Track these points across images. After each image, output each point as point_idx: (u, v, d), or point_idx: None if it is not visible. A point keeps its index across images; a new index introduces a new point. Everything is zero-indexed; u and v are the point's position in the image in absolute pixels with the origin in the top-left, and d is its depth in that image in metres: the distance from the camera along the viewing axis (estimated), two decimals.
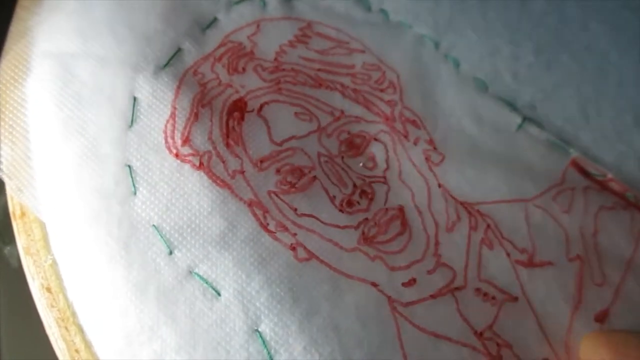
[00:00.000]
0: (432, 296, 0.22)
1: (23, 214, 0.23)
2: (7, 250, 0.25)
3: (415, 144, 0.26)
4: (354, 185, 0.24)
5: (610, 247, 0.24)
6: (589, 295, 0.23)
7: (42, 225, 0.23)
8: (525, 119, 0.27)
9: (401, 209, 0.24)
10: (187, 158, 0.23)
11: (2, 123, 0.25)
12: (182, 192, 0.22)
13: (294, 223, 0.23)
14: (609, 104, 0.27)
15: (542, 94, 0.27)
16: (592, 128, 0.27)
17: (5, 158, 0.24)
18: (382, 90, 0.27)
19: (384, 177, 0.25)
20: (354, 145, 0.26)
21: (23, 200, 0.23)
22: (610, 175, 0.26)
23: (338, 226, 0.23)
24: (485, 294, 0.22)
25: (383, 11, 0.29)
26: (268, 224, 0.22)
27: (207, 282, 0.21)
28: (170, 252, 0.21)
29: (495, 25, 0.29)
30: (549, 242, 0.24)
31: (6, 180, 0.24)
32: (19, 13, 0.28)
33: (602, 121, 0.27)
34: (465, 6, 0.29)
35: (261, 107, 0.25)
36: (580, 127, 0.27)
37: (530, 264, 0.23)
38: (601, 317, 0.23)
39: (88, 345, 0.21)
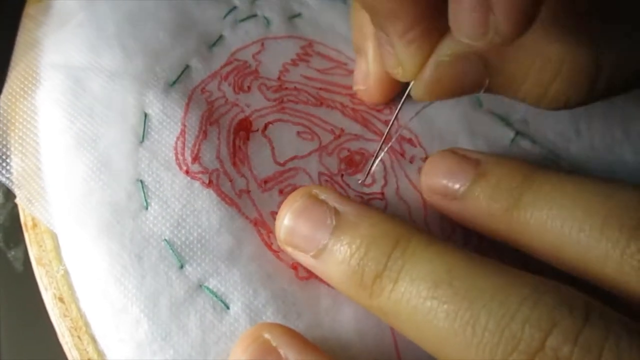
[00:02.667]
0: None
1: (35, 225, 0.25)
2: (11, 254, 0.26)
3: (411, 162, 0.28)
4: None
5: None
6: None
7: (54, 236, 0.24)
8: (517, 133, 0.29)
9: None
10: (197, 175, 0.24)
11: (12, 134, 0.26)
12: (193, 209, 0.24)
13: None
14: (599, 118, 0.29)
15: (535, 109, 0.29)
16: (583, 141, 0.29)
17: (15, 169, 0.25)
18: (378, 111, 0.29)
19: (382, 194, 0.27)
20: (354, 163, 0.27)
21: (33, 212, 0.24)
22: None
23: None
24: None
25: None
26: (272, 244, 0.24)
27: (216, 296, 0.22)
28: (181, 266, 0.23)
29: None
30: None
31: (16, 191, 0.25)
32: (26, 23, 0.28)
33: (592, 134, 0.29)
34: None
35: (265, 126, 0.27)
36: (571, 141, 0.29)
37: None
38: None
39: (101, 354, 0.22)
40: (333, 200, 0.23)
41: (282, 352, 0.20)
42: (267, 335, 0.21)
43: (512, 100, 0.29)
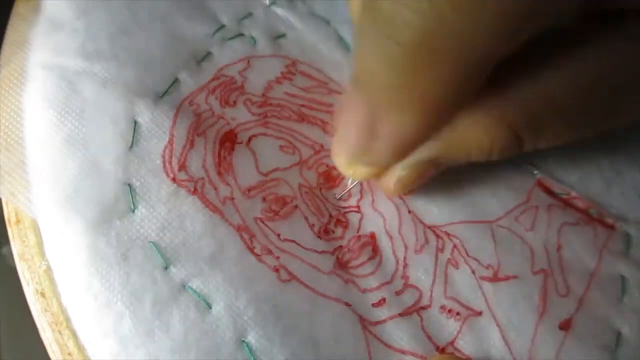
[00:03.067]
0: (400, 315, 0.25)
1: (18, 221, 0.25)
2: (4, 249, 0.27)
3: None
4: (330, 215, 0.28)
5: (574, 261, 0.27)
6: (554, 305, 0.26)
7: (37, 232, 0.25)
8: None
9: (372, 236, 0.27)
10: (183, 183, 0.25)
11: None
12: (178, 214, 0.25)
13: (278, 247, 0.26)
14: None
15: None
16: (559, 150, 0.29)
17: None
18: None
19: (358, 207, 0.28)
20: (331, 178, 0.29)
21: (16, 204, 0.25)
22: (574, 194, 0.29)
23: (316, 251, 0.26)
24: (449, 311, 0.26)
25: None
26: (254, 247, 0.25)
27: (199, 296, 0.23)
28: (166, 267, 0.24)
29: None
30: (514, 258, 0.27)
31: None
32: (15, 21, 0.29)
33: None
34: None
35: (249, 139, 0.28)
36: (547, 149, 0.30)
37: (495, 278, 0.26)
38: (565, 326, 0.25)
39: (81, 349, 0.23)
40: None
41: None
42: None
43: None
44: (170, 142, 0.26)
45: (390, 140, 0.23)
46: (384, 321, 0.25)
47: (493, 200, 0.28)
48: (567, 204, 0.29)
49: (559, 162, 0.30)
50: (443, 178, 0.28)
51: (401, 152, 0.24)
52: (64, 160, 0.25)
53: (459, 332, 0.25)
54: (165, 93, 0.28)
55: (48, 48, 0.28)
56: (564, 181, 0.29)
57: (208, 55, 0.30)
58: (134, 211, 0.25)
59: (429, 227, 0.28)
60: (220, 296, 0.24)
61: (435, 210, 0.28)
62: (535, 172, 0.29)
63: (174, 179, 0.26)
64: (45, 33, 0.28)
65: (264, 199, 0.27)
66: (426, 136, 0.24)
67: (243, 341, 0.23)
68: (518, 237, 0.28)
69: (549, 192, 0.29)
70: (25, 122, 0.27)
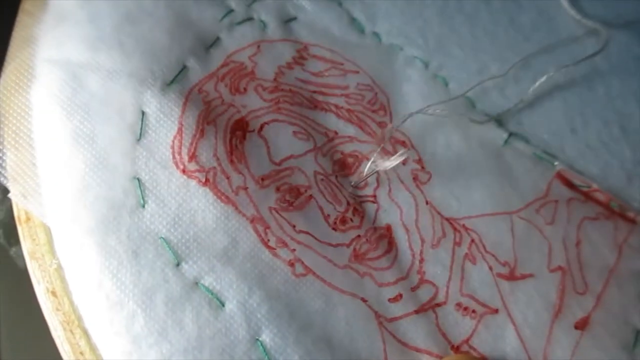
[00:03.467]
0: (415, 312, 0.25)
1: (28, 219, 0.25)
2: (13, 251, 0.26)
3: (404, 164, 0.28)
4: (348, 203, 0.27)
5: (593, 257, 0.27)
6: (570, 303, 0.25)
7: (47, 230, 0.25)
8: (511, 134, 0.29)
9: (389, 228, 0.27)
10: (193, 174, 0.25)
11: (6, 129, 0.26)
12: (189, 208, 0.24)
13: (293, 239, 0.25)
14: (595, 116, 0.30)
15: (529, 109, 0.30)
16: (578, 140, 0.29)
17: (9, 164, 0.25)
18: (374, 112, 0.30)
19: (374, 196, 0.28)
20: (347, 165, 0.28)
21: (27, 206, 0.25)
22: (595, 186, 0.28)
23: (331, 244, 0.26)
24: (465, 308, 0.25)
25: (375, 34, 0.32)
26: (269, 240, 0.25)
27: (212, 294, 0.23)
28: (178, 264, 0.23)
29: (483, 42, 0.31)
30: (531, 254, 0.26)
31: (10, 186, 0.25)
32: (22, 18, 0.29)
33: (588, 133, 0.29)
34: (454, 25, 0.32)
35: (261, 127, 0.28)
36: (566, 140, 0.29)
37: (512, 277, 0.26)
38: (582, 325, 0.25)
39: (93, 348, 0.23)
40: None
41: None
42: None
43: (505, 101, 0.30)
44: (180, 131, 0.26)
45: None
46: (399, 318, 0.25)
47: (513, 193, 0.28)
48: (587, 196, 0.28)
49: (580, 153, 0.29)
50: (462, 169, 0.28)
51: None
52: (71, 157, 0.25)
53: (474, 330, 0.25)
54: (173, 81, 0.27)
55: (53, 42, 0.27)
56: (584, 173, 0.29)
57: (217, 40, 0.29)
58: (143, 206, 0.24)
59: (447, 220, 0.27)
60: (233, 294, 0.23)
61: (454, 202, 0.27)
62: (556, 163, 0.29)
63: (183, 170, 0.25)
64: (50, 27, 0.28)
65: (277, 189, 0.26)
66: None
67: (257, 340, 0.23)
68: (538, 230, 0.27)
69: (569, 184, 0.29)
70: (34, 120, 0.26)
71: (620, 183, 0.29)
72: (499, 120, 0.30)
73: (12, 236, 0.25)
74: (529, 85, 0.30)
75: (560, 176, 0.29)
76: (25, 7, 0.29)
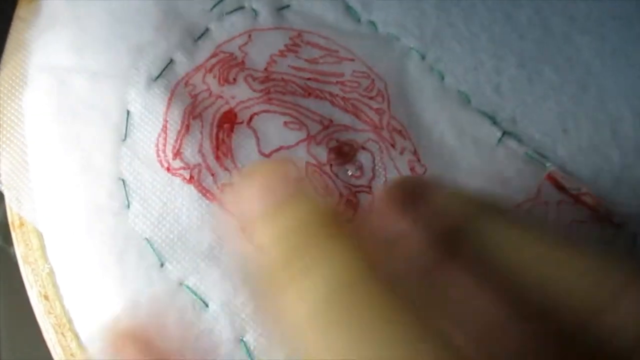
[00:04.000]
0: None
1: (22, 224, 0.26)
2: (12, 250, 0.27)
3: (401, 153, 0.27)
4: (340, 195, 0.26)
5: None
6: None
7: (40, 235, 0.25)
8: (505, 133, 0.28)
9: None
10: (178, 172, 0.25)
11: (0, 135, 0.27)
12: (173, 207, 0.24)
13: None
14: (588, 117, 0.29)
15: (523, 108, 0.29)
16: (570, 141, 0.28)
17: (3, 170, 0.26)
18: (371, 98, 0.29)
19: (369, 187, 0.27)
20: (343, 153, 0.27)
21: (21, 212, 0.25)
22: (584, 189, 0.27)
23: None
24: None
25: (372, 23, 0.31)
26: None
27: (196, 294, 0.23)
28: (162, 265, 0.23)
29: (479, 38, 0.30)
30: None
31: (5, 191, 0.26)
32: (16, 24, 0.29)
33: (580, 134, 0.28)
34: (451, 18, 0.31)
35: (251, 118, 0.27)
36: (558, 141, 0.28)
37: None
38: None
39: (83, 349, 0.23)
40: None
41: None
42: None
43: (500, 98, 0.29)
44: (164, 128, 0.25)
45: None
46: None
47: (503, 192, 0.27)
48: (576, 199, 0.27)
49: (571, 154, 0.28)
50: (455, 166, 0.27)
51: None
52: (59, 161, 0.25)
53: None
54: (158, 76, 0.27)
55: (42, 47, 0.28)
56: (575, 175, 0.28)
57: (206, 32, 0.29)
58: (128, 207, 0.24)
59: None
60: (217, 294, 0.23)
61: None
62: (548, 164, 0.28)
63: (168, 169, 0.25)
64: (40, 32, 0.28)
65: None
66: None
67: (241, 340, 0.22)
68: None
69: (560, 186, 0.27)
70: (25, 126, 0.27)
71: (609, 186, 0.27)
72: (493, 118, 0.29)
73: (10, 236, 0.26)
74: (523, 83, 0.29)
75: (551, 178, 0.27)
76: (19, 14, 0.30)
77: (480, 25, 0.30)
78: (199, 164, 0.25)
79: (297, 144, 0.27)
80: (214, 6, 0.29)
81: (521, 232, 0.19)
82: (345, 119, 0.28)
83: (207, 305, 0.23)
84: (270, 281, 0.17)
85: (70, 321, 0.24)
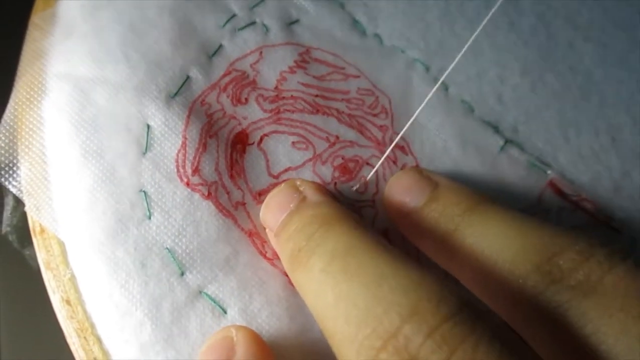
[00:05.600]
0: None
1: (42, 231, 0.27)
2: (26, 253, 0.28)
3: (402, 169, 0.30)
4: None
5: None
6: None
7: (61, 242, 0.27)
8: (507, 141, 0.30)
9: (385, 233, 0.28)
10: (197, 187, 0.26)
11: (19, 143, 0.28)
12: (193, 219, 0.26)
13: None
14: (588, 125, 0.30)
15: (525, 116, 0.30)
16: (571, 149, 0.30)
17: (23, 177, 0.27)
18: (374, 115, 0.31)
19: (373, 201, 0.29)
20: (348, 170, 0.29)
21: (40, 219, 0.27)
22: (584, 195, 0.29)
23: None
24: None
25: (377, 36, 0.33)
26: (267, 252, 0.26)
27: (215, 302, 0.25)
28: (182, 274, 0.25)
29: (482, 47, 0.32)
30: None
31: (25, 199, 0.27)
32: (32, 32, 0.30)
33: (580, 142, 0.30)
34: (455, 29, 0.33)
35: (261, 139, 0.29)
36: (559, 148, 0.30)
37: None
38: None
39: (105, 353, 0.25)
40: (307, 188, 0.25)
41: (237, 348, 0.22)
42: (232, 333, 0.23)
43: (502, 107, 0.31)
44: (184, 145, 0.27)
45: None
46: None
47: (505, 200, 0.29)
48: (576, 206, 0.29)
49: (572, 161, 0.30)
50: (458, 175, 0.29)
51: None
52: (80, 171, 0.27)
53: None
54: (176, 93, 0.29)
55: (61, 56, 0.29)
56: (575, 182, 0.29)
57: (219, 48, 0.31)
58: (150, 218, 0.26)
59: None
60: (234, 301, 0.25)
61: None
62: (549, 172, 0.29)
63: (187, 184, 0.26)
64: (58, 41, 0.29)
65: None
66: None
67: None
68: None
69: (561, 193, 0.29)
70: (45, 135, 0.28)
71: (609, 193, 0.29)
72: (495, 127, 0.31)
73: (25, 239, 0.27)
74: (526, 91, 0.31)
75: (553, 185, 0.29)
76: (34, 21, 0.31)
77: (484, 33, 0.32)
78: (216, 182, 0.27)
79: (304, 164, 0.29)
80: (227, 22, 0.31)
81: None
82: (351, 135, 0.30)
83: (225, 312, 0.25)
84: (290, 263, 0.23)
85: (92, 325, 0.25)
